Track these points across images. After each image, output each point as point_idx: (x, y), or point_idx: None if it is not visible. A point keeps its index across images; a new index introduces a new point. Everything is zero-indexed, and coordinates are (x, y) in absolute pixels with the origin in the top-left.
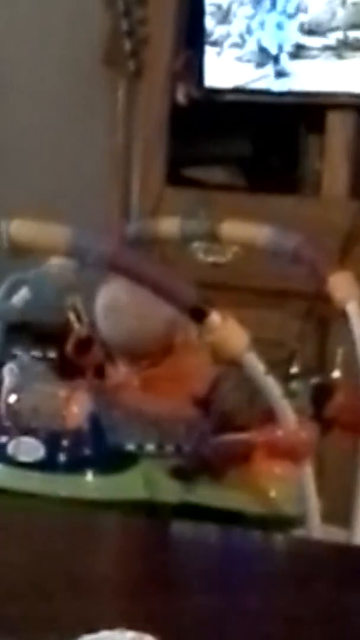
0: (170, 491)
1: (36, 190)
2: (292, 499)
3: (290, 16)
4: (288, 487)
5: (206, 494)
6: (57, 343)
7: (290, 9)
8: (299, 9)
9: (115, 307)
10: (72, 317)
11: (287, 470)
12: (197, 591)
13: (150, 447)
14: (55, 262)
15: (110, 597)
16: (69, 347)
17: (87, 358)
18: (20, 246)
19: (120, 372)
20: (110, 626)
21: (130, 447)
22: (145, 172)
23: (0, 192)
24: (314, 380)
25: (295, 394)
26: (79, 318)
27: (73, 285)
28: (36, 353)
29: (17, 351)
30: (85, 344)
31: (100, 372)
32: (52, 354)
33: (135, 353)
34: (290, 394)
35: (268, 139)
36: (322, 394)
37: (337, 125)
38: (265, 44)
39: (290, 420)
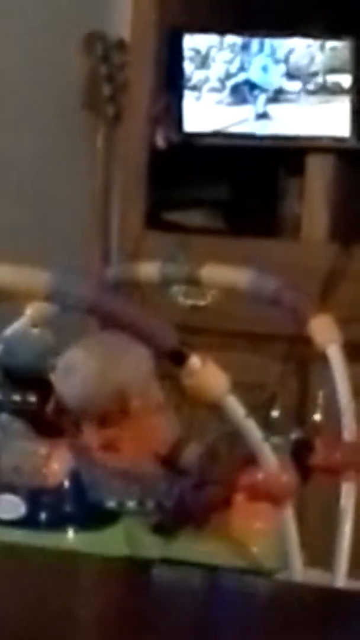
0: (152, 547)
1: (15, 234)
2: (273, 554)
3: (277, 61)
4: (269, 542)
5: (187, 550)
6: (37, 401)
7: (276, 53)
8: (275, 52)
9: (71, 368)
10: (53, 378)
11: (268, 525)
12: (179, 635)
13: (131, 504)
14: (35, 330)
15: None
16: (50, 408)
17: (66, 420)
18: None
19: (82, 434)
20: None
21: (111, 504)
22: (125, 216)
23: None
24: (294, 435)
25: (276, 449)
26: None
27: (53, 348)
28: (16, 397)
29: None
30: (64, 407)
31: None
32: (32, 398)
33: (91, 414)
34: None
35: (247, 182)
36: (302, 449)
37: (317, 168)
38: (244, 88)
39: (271, 464)
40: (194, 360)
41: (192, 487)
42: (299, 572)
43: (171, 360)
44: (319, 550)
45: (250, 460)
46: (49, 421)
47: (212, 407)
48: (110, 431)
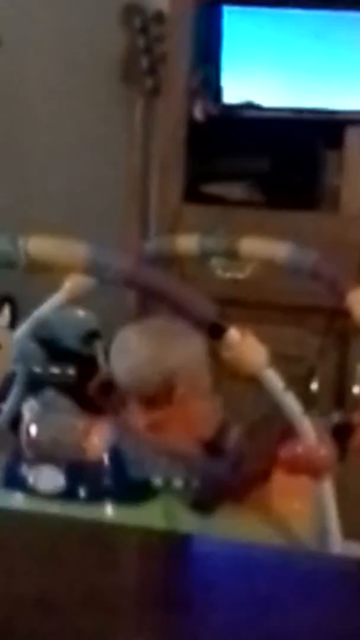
0: (190, 524)
1: (55, 207)
2: (313, 535)
3: (316, 33)
4: (308, 522)
5: (226, 526)
6: (76, 376)
7: (314, 25)
8: (313, 24)
9: (125, 349)
10: (100, 358)
11: (307, 506)
12: (216, 606)
13: (177, 482)
14: (80, 312)
15: (125, 612)
16: (93, 386)
17: (108, 400)
18: (38, 263)
19: (130, 414)
20: None
21: (157, 481)
22: (164, 189)
23: (19, 209)
24: (335, 419)
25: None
26: (104, 360)
27: (97, 331)
28: (55, 370)
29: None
30: (107, 387)
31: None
32: (70, 371)
33: (139, 395)
34: None
35: (286, 155)
36: (342, 433)
37: (356, 141)
38: (283, 61)
39: (310, 436)
40: (233, 333)
41: (232, 465)
42: (338, 544)
43: (210, 334)
44: (358, 523)
45: (289, 433)
46: (90, 397)
47: (251, 379)
48: (156, 413)
